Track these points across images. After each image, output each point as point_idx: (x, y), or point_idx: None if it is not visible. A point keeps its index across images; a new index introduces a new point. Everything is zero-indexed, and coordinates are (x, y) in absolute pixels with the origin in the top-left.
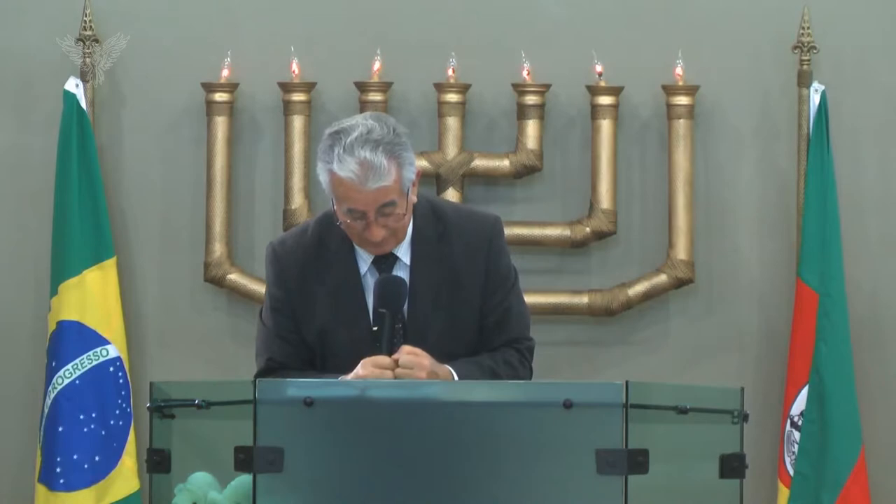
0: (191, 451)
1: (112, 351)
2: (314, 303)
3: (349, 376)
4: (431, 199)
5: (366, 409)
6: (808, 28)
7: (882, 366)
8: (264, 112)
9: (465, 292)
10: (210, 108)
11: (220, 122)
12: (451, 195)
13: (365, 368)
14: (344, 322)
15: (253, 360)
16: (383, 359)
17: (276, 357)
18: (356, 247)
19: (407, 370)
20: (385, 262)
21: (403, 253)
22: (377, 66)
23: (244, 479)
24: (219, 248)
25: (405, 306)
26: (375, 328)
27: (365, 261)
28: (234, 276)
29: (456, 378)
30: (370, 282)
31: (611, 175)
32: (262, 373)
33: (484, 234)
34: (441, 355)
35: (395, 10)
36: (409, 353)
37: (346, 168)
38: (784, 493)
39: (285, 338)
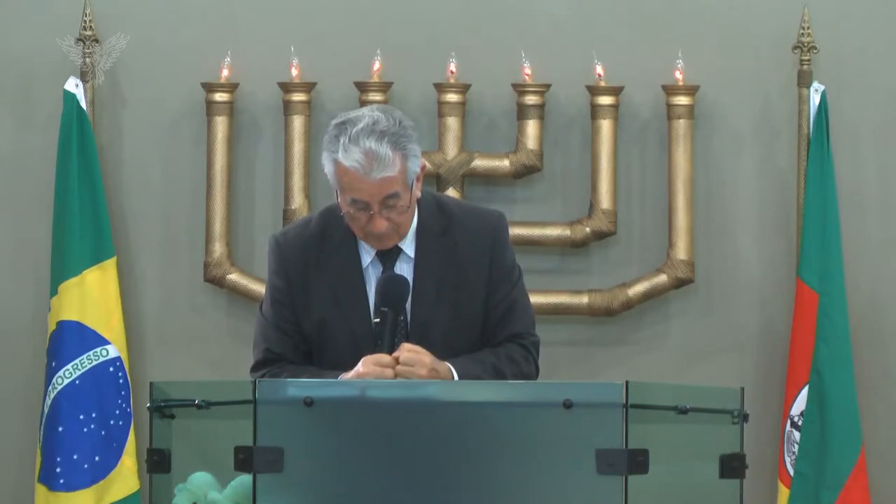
0: (191, 451)
1: (112, 351)
2: (314, 293)
3: (349, 374)
4: (436, 195)
5: (366, 409)
6: (808, 28)
7: (882, 366)
8: (264, 112)
9: (470, 287)
10: (210, 108)
11: (220, 122)
12: (452, 195)
13: (365, 366)
14: (343, 314)
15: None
16: (384, 357)
17: (273, 348)
18: (359, 239)
19: (408, 368)
20: (388, 254)
21: (407, 246)
22: (377, 66)
23: (244, 479)
24: (219, 248)
25: (409, 300)
26: (377, 320)
27: (368, 253)
28: (234, 276)
29: (456, 376)
30: (372, 274)
31: (611, 175)
32: (259, 363)
33: (488, 230)
34: (445, 350)
35: (395, 10)
36: (409, 351)
37: (351, 158)
38: (784, 493)
39: (284, 329)
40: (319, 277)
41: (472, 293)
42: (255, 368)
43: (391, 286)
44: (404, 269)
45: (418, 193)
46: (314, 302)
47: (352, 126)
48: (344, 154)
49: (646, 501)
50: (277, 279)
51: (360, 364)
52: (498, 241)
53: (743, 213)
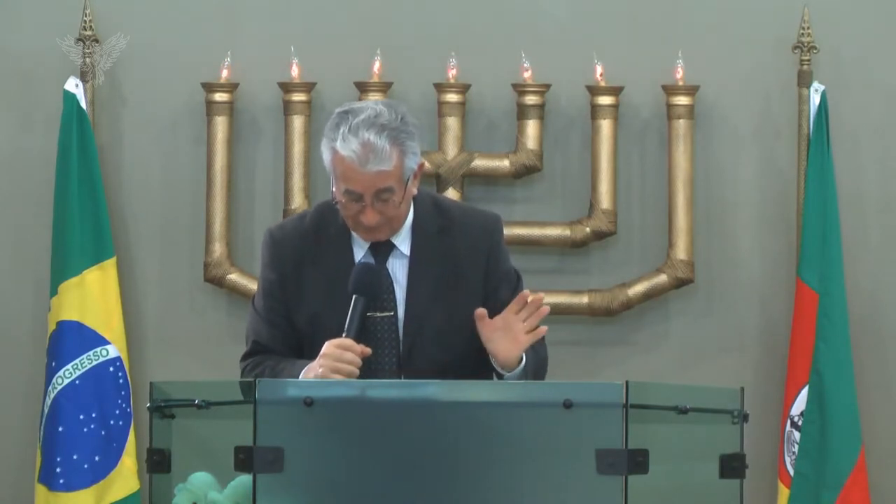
0: (191, 451)
1: (112, 351)
2: (307, 288)
3: (314, 362)
4: (434, 195)
5: (366, 409)
6: (808, 28)
7: (882, 366)
8: (264, 112)
9: (466, 286)
10: (210, 108)
11: (220, 122)
12: (451, 195)
13: (328, 348)
14: (335, 308)
15: None
16: (346, 340)
17: (261, 340)
18: (353, 235)
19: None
20: (382, 250)
21: (402, 242)
22: (377, 66)
23: (244, 479)
24: (219, 248)
25: (404, 297)
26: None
27: (362, 248)
28: (234, 276)
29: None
30: None
31: (611, 175)
32: (247, 354)
33: (486, 231)
34: (441, 348)
35: (395, 10)
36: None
37: (348, 147)
38: (784, 493)
39: (273, 322)
40: (313, 271)
41: (469, 293)
42: (243, 359)
43: (362, 274)
44: (398, 265)
45: (414, 191)
46: (307, 296)
47: (353, 116)
48: (342, 143)
49: (646, 501)
50: (270, 272)
51: (324, 347)
52: (496, 241)
53: (743, 213)
